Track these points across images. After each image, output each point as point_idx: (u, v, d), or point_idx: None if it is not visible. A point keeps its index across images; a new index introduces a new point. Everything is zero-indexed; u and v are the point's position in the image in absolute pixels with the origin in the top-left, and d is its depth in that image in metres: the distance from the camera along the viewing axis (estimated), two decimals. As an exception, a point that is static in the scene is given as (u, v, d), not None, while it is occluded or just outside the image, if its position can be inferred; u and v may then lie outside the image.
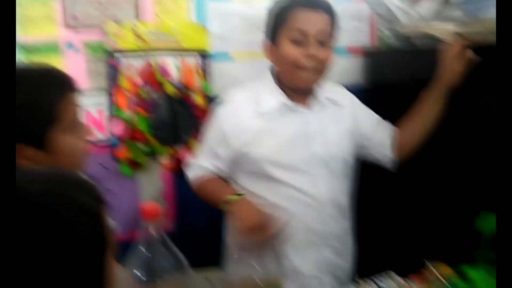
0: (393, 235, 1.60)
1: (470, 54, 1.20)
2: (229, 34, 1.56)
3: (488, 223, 1.03)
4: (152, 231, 0.78)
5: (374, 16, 1.63)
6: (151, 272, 0.77)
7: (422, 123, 1.28)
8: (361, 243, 1.74)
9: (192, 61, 1.50)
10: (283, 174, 1.20)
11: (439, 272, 1.08)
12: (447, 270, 1.10)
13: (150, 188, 1.57)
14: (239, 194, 1.15)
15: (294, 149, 1.21)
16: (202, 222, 1.60)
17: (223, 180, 1.30)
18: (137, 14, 1.46)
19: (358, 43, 1.72)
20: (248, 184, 1.25)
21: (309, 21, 1.15)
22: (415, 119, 1.30)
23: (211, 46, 1.54)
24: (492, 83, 1.15)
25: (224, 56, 1.57)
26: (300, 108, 1.23)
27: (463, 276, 1.07)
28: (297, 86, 1.21)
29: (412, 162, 1.38)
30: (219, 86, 1.54)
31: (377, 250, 1.67)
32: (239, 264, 0.90)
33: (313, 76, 1.19)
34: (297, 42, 1.15)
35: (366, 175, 1.70)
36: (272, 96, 1.22)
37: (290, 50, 1.16)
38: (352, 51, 1.72)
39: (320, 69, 1.18)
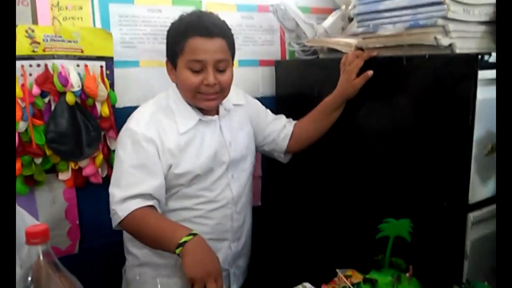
0: (304, 247, 1.65)
1: (368, 71, 1.30)
2: (135, 41, 1.50)
3: (390, 228, 1.08)
4: (40, 255, 0.68)
5: (284, 30, 1.68)
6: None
7: (319, 124, 1.42)
8: (277, 255, 1.79)
9: (96, 68, 1.40)
10: (203, 188, 1.25)
11: (349, 279, 1.10)
12: (357, 277, 1.13)
13: (50, 208, 1.43)
14: (192, 234, 1.05)
15: (214, 159, 1.25)
16: (107, 243, 1.48)
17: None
18: (35, 18, 1.33)
19: (269, 56, 1.78)
20: (168, 203, 1.25)
21: (206, 51, 1.15)
22: (313, 119, 1.43)
23: (116, 53, 1.46)
24: (384, 93, 1.30)
25: (130, 64, 1.50)
26: (213, 119, 1.27)
27: (371, 281, 1.10)
28: (199, 107, 1.24)
29: (317, 171, 1.52)
30: (124, 94, 1.49)
31: (292, 261, 1.71)
32: (141, 284, 0.84)
33: (215, 100, 1.22)
34: (196, 71, 1.17)
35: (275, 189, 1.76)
36: (186, 115, 1.23)
37: (189, 78, 1.17)
38: (264, 64, 1.76)
39: (221, 93, 1.22)
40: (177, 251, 1.02)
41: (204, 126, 1.25)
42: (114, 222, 1.15)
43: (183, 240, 1.02)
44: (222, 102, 1.29)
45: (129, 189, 1.13)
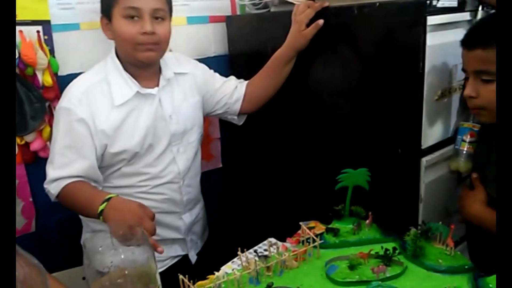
0: (268, 204, 1.67)
1: (318, 20, 1.28)
2: (73, 2, 1.38)
3: (349, 179, 1.11)
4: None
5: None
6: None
7: (272, 81, 1.39)
8: (243, 216, 1.81)
9: (32, 34, 1.30)
10: (146, 165, 1.23)
11: (312, 230, 1.13)
12: (320, 228, 1.16)
13: (-2, 186, 1.36)
14: (107, 199, 1.05)
15: (153, 135, 1.22)
16: (65, 219, 1.44)
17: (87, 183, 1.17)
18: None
19: (219, 11, 1.71)
20: (111, 180, 1.23)
21: None
22: (265, 76, 1.40)
23: (54, 16, 1.34)
24: (335, 44, 1.30)
25: (70, 27, 1.39)
26: (151, 92, 1.22)
27: (333, 230, 1.14)
28: (138, 62, 1.19)
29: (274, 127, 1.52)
30: (67, 60, 1.38)
31: (256, 220, 1.73)
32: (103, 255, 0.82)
33: (153, 52, 1.18)
34: (131, 20, 1.13)
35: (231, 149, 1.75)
36: (123, 86, 1.19)
37: (125, 28, 1.14)
38: (214, 20, 1.70)
39: (159, 45, 1.17)
40: (101, 220, 1.03)
41: (141, 99, 1.20)
42: (51, 199, 1.17)
43: (99, 210, 1.03)
44: (162, 71, 1.25)
45: (60, 169, 1.14)
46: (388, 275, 0.94)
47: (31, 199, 1.41)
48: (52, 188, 1.15)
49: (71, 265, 1.41)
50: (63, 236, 1.48)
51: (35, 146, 1.35)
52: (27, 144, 1.35)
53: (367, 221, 1.14)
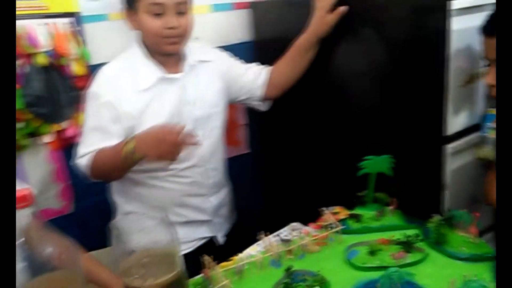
0: (293, 189, 1.69)
1: (340, 7, 1.26)
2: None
3: (371, 165, 1.11)
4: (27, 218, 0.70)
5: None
6: (34, 264, 0.70)
7: (294, 66, 1.40)
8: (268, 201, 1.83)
9: (65, 25, 1.35)
10: None
11: (335, 216, 1.14)
12: (344, 213, 1.17)
13: (38, 171, 1.44)
14: (129, 141, 1.12)
15: (178, 119, 1.25)
16: (103, 201, 1.51)
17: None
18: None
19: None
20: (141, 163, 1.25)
21: None
22: (288, 62, 1.41)
23: (83, 8, 1.40)
24: (357, 30, 1.28)
25: (99, 18, 1.45)
26: (175, 76, 1.26)
27: (356, 216, 1.15)
28: (163, 53, 1.24)
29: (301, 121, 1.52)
30: (98, 50, 1.44)
31: (282, 205, 1.76)
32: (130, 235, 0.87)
33: (178, 44, 1.23)
34: (156, 15, 1.18)
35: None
36: (148, 71, 1.24)
37: (150, 23, 1.18)
38: (239, 7, 1.71)
39: (182, 36, 1.22)
40: (135, 158, 1.10)
41: (166, 84, 1.25)
42: (87, 173, 1.23)
43: (131, 147, 1.09)
44: (186, 58, 1.29)
45: (88, 147, 1.21)
46: (407, 261, 0.95)
47: (68, 182, 1.50)
48: (82, 162, 1.22)
49: (108, 243, 1.49)
50: (100, 217, 1.55)
51: (71, 132, 1.42)
52: (63, 131, 1.42)
53: (391, 207, 1.14)
